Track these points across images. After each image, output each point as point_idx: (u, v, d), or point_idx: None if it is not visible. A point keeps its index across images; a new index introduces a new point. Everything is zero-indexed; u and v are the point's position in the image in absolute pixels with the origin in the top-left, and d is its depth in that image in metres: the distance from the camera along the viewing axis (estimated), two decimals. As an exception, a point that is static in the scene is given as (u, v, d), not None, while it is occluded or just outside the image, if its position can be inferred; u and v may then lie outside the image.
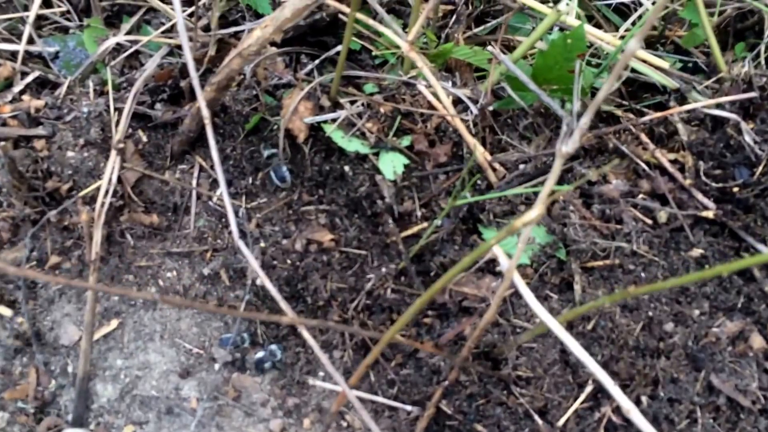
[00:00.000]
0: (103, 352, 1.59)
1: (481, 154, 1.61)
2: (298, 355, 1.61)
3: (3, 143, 1.51)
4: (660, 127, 1.69)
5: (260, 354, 1.59)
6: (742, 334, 1.49)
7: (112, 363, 1.59)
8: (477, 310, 1.57)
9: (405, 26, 1.82)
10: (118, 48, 1.80)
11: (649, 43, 2.00)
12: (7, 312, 1.57)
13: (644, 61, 1.75)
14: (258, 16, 1.86)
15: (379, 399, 1.55)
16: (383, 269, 1.62)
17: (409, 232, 1.64)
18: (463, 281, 1.58)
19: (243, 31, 1.82)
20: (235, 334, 1.59)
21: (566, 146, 0.99)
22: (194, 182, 1.68)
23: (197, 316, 1.63)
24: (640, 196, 1.61)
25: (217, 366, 1.60)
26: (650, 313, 1.51)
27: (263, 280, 1.34)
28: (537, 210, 0.98)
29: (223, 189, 1.31)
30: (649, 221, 1.59)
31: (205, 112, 1.33)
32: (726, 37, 2.03)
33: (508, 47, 1.95)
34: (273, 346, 1.60)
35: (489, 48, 1.67)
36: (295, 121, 1.59)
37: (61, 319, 1.60)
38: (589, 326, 1.52)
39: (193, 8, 1.78)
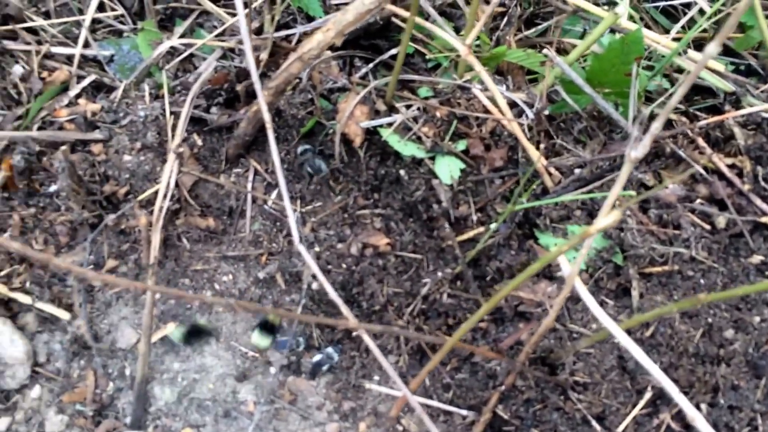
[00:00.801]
0: (159, 355, 1.62)
1: (538, 158, 1.61)
2: (354, 359, 1.63)
3: (63, 147, 1.53)
4: (716, 131, 1.69)
5: (316, 357, 1.62)
6: None
7: (169, 366, 1.61)
8: (533, 314, 1.58)
9: (456, 29, 1.82)
10: (172, 51, 1.83)
11: (699, 46, 1.99)
12: (65, 315, 1.59)
13: (708, 67, 1.75)
14: (309, 19, 1.88)
15: (435, 403, 1.57)
16: (439, 273, 1.63)
17: (465, 236, 1.66)
18: (519, 286, 1.59)
19: (294, 34, 1.84)
20: (291, 337, 1.61)
21: (636, 151, 0.99)
22: (249, 186, 1.71)
23: (252, 319, 1.66)
24: (698, 200, 1.61)
25: (272, 369, 1.63)
26: (710, 320, 1.51)
27: (324, 285, 1.35)
28: (613, 216, 0.98)
29: (284, 193, 1.32)
30: (708, 226, 1.59)
31: (267, 116, 1.34)
32: None
33: (558, 50, 1.95)
34: (329, 350, 1.62)
35: (545, 51, 1.67)
36: (351, 125, 1.60)
37: (118, 323, 1.63)
38: (648, 333, 1.52)
39: (247, 11, 1.79)
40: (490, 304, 1.26)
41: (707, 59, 0.86)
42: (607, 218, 0.97)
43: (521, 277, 1.17)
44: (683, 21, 1.92)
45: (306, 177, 1.70)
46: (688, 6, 2.00)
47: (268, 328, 1.59)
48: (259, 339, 1.59)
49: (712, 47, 0.86)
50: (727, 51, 1.99)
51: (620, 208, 1.01)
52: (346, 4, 1.89)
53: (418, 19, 1.68)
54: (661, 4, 2.05)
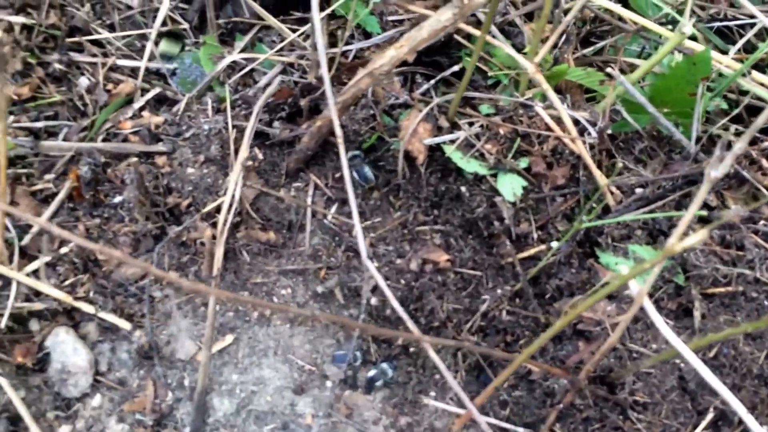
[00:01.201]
0: (218, 366, 1.62)
1: (600, 177, 1.61)
2: (410, 374, 1.63)
3: (133, 159, 1.54)
4: None
5: (372, 372, 1.62)
6: None
7: (228, 378, 1.61)
8: (592, 333, 1.57)
9: (515, 47, 1.82)
10: (233, 66, 1.83)
11: (759, 67, 1.98)
12: (126, 325, 1.60)
13: (762, 84, 1.73)
14: (366, 35, 1.88)
15: (492, 420, 1.55)
16: (498, 291, 1.63)
17: (525, 253, 1.65)
18: (579, 304, 1.58)
19: (351, 50, 1.85)
20: (349, 352, 1.61)
21: (716, 171, 0.98)
22: (309, 200, 1.71)
23: (309, 333, 1.66)
24: (762, 222, 1.60)
25: (329, 383, 1.63)
26: None
27: (389, 299, 1.35)
28: (700, 235, 0.97)
29: (353, 208, 1.32)
30: None
31: (339, 131, 1.35)
32: None
33: (623, 70, 1.95)
34: (384, 365, 1.62)
35: (608, 70, 1.67)
36: (414, 142, 1.60)
37: (178, 334, 1.63)
38: (711, 353, 1.51)
39: (307, 27, 1.80)
40: (561, 323, 1.25)
41: None
42: (695, 237, 0.97)
43: (592, 298, 1.17)
44: (742, 41, 1.91)
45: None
46: (743, 27, 2.00)
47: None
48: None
49: None
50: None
51: (708, 227, 1.00)
52: (401, 21, 1.90)
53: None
54: (716, 24, 2.04)
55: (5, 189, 1.38)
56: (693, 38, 1.95)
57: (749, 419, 1.11)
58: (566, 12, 1.90)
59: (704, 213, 1.58)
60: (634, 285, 1.35)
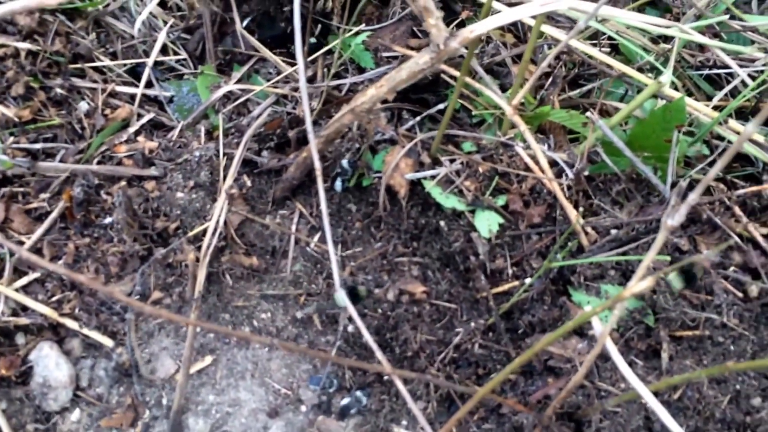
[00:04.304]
0: (196, 387, 1.66)
1: (575, 217, 1.65)
2: (383, 403, 1.66)
3: (122, 183, 1.60)
4: (753, 200, 1.71)
5: (346, 400, 1.65)
6: None
7: (205, 398, 1.65)
8: (562, 370, 1.60)
9: (502, 86, 1.88)
10: (228, 95, 1.91)
11: (741, 113, 2.02)
12: (108, 342, 1.64)
13: (738, 133, 1.78)
14: (360, 70, 1.95)
15: None
16: (472, 324, 1.66)
17: (500, 289, 1.69)
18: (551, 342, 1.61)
19: (345, 84, 1.91)
20: (325, 377, 1.65)
21: (672, 220, 1.02)
22: (293, 228, 1.76)
23: (287, 357, 1.70)
24: (732, 268, 1.63)
25: (303, 408, 1.66)
26: (738, 387, 1.52)
27: (361, 329, 1.39)
28: (646, 282, 1.01)
29: (328, 237, 1.37)
30: (740, 294, 1.60)
31: (317, 164, 1.40)
32: None
33: (601, 112, 2.00)
34: (358, 393, 1.65)
35: (588, 113, 1.72)
36: (396, 177, 1.66)
37: (159, 353, 1.67)
38: (676, 395, 1.53)
39: (306, 60, 1.87)
40: (522, 358, 1.29)
41: (746, 138, 0.90)
42: (640, 284, 1.01)
43: (556, 333, 1.20)
44: (726, 89, 1.96)
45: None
46: (731, 74, 2.04)
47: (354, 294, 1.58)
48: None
49: (751, 126, 0.90)
50: (768, 121, 2.02)
51: (654, 275, 1.04)
52: (395, 57, 1.97)
53: (466, 78, 1.75)
54: (705, 72, 2.08)
55: None
56: (675, 86, 2.01)
57: None
58: (557, 55, 1.96)
59: (667, 257, 1.62)
60: (597, 325, 1.39)
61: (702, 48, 2.16)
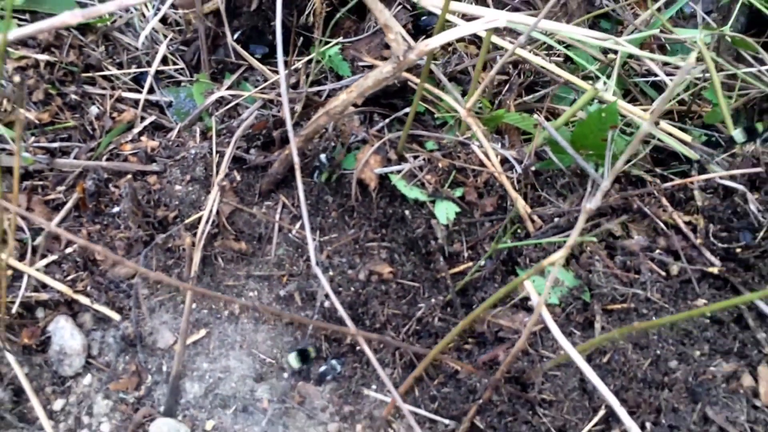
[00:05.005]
0: (192, 356, 1.82)
1: (523, 207, 1.87)
2: (355, 370, 1.83)
3: (128, 177, 1.81)
4: (680, 192, 1.93)
5: (323, 368, 1.81)
6: (735, 374, 1.72)
7: (199, 365, 1.81)
8: (510, 340, 1.80)
9: (464, 93, 2.10)
10: (221, 100, 2.09)
11: (680, 117, 2.24)
12: (116, 316, 1.81)
13: (671, 135, 2.00)
14: (338, 77, 2.15)
15: (422, 412, 1.76)
16: (432, 300, 1.86)
17: (457, 269, 1.89)
18: (500, 315, 1.83)
19: (325, 90, 2.13)
20: (303, 348, 1.84)
21: (590, 204, 1.22)
22: (277, 216, 1.95)
23: (271, 330, 1.88)
24: (657, 251, 1.85)
25: (285, 375, 1.83)
26: (658, 352, 1.74)
27: (334, 303, 1.57)
28: (560, 253, 1.23)
29: (306, 225, 1.59)
30: (663, 273, 1.82)
31: (296, 159, 1.59)
32: (752, 114, 2.27)
33: (554, 114, 2.21)
34: (333, 361, 1.81)
35: (535, 116, 1.94)
36: (366, 171, 1.87)
37: (159, 326, 1.84)
38: (605, 359, 1.74)
39: (286, 71, 2.09)
40: (465, 322, 1.51)
41: (642, 136, 1.12)
42: (556, 255, 1.23)
43: (491, 299, 1.42)
44: (664, 95, 2.17)
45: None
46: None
47: (304, 356, 1.78)
48: (294, 361, 1.77)
49: (646, 126, 1.12)
50: (703, 124, 2.23)
51: (565, 248, 1.26)
52: (370, 67, 2.18)
53: (428, 85, 1.97)
54: (650, 79, 2.30)
55: (17, 196, 1.65)
56: (624, 92, 2.22)
57: (625, 416, 1.31)
58: (515, 64, 2.19)
59: (593, 239, 1.83)
60: (534, 296, 1.61)
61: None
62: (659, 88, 2.30)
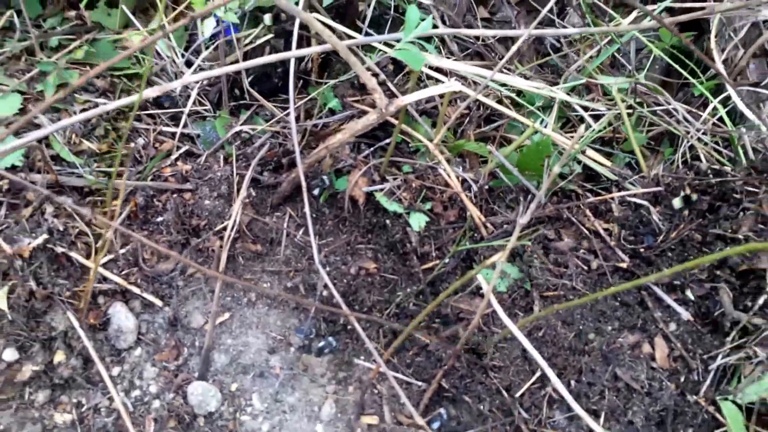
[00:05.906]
0: (219, 333, 2.10)
1: (478, 217, 2.34)
2: (347, 344, 2.14)
3: (168, 193, 2.25)
4: (601, 205, 2.38)
5: (322, 343, 2.09)
6: (638, 343, 2.15)
7: (225, 341, 2.10)
8: (468, 319, 2.19)
9: (434, 123, 2.53)
10: (238, 132, 2.46)
11: (609, 142, 2.71)
12: (159, 303, 2.11)
13: (595, 160, 2.49)
14: (332, 111, 2.51)
15: (400, 376, 2.07)
16: (408, 290, 2.20)
17: (427, 266, 2.22)
18: (460, 300, 2.24)
19: (320, 123, 2.53)
20: (307, 328, 2.14)
21: (522, 219, 1.59)
22: (285, 225, 2.35)
23: (281, 314, 2.17)
24: (582, 250, 2.30)
25: (292, 349, 2.11)
26: (580, 327, 2.16)
27: (332, 291, 2.02)
28: (502, 253, 1.67)
29: (311, 232, 2.06)
30: (586, 268, 2.25)
31: (303, 182, 2.09)
32: (661, 142, 2.75)
33: (507, 140, 2.58)
34: (330, 338, 2.11)
35: (488, 146, 2.42)
36: (356, 190, 2.33)
37: (193, 311, 2.13)
38: (540, 333, 2.17)
39: (291, 108, 2.56)
40: (433, 305, 1.93)
41: (565, 160, 1.59)
42: (497, 256, 1.66)
43: (451, 288, 1.84)
44: (595, 126, 2.65)
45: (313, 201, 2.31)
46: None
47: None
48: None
49: (566, 154, 1.60)
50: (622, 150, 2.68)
51: (503, 253, 1.70)
52: (357, 101, 2.52)
53: (403, 125, 2.43)
54: (588, 113, 2.75)
55: (117, 215, 2.07)
56: (567, 123, 2.69)
57: (553, 376, 1.61)
58: (476, 101, 2.66)
59: (528, 243, 2.31)
60: (484, 284, 2.08)
61: (589, 92, 2.84)
62: (597, 117, 2.71)
